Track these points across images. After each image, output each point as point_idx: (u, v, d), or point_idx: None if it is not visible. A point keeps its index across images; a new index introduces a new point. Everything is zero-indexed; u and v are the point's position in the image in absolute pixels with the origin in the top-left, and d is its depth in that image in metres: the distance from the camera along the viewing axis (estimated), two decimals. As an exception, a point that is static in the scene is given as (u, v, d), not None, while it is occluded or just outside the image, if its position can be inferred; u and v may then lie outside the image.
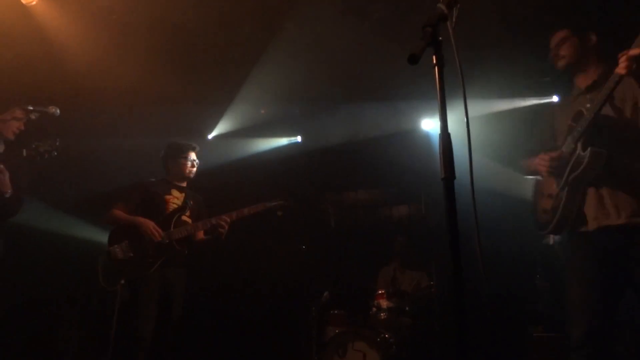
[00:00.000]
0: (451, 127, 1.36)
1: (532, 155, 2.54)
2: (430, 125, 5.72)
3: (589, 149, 2.10)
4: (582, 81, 2.41)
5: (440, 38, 1.32)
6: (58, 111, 3.03)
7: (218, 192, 4.47)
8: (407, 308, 4.01)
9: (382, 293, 4.12)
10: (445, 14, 1.39)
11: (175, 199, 3.57)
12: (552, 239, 2.49)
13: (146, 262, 3.27)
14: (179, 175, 3.63)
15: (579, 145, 2.17)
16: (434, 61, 1.32)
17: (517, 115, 4.91)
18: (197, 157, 3.71)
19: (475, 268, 1.47)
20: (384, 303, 4.04)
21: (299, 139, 6.30)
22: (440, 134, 1.32)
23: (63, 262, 4.96)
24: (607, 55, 2.32)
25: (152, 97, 4.96)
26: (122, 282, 3.19)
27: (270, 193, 3.84)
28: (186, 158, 3.62)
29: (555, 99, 4.68)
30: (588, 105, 2.17)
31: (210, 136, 5.99)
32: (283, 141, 6.27)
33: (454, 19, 1.41)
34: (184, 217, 3.52)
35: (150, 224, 3.31)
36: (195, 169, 3.68)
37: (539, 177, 2.51)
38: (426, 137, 5.74)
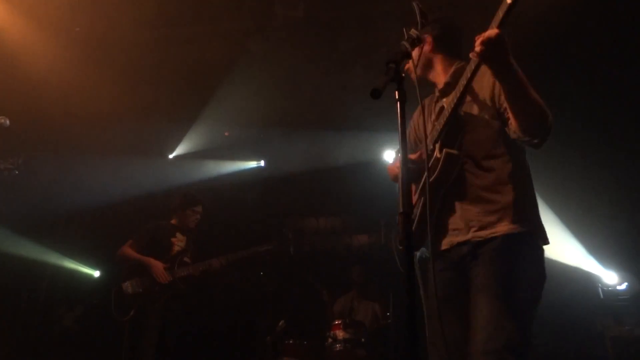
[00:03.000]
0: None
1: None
2: (392, 156, 5.84)
3: (444, 150, 1.81)
4: (440, 79, 2.05)
5: (402, 74, 1.36)
6: (8, 122, 2.89)
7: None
8: (363, 339, 3.98)
9: (338, 323, 4.07)
10: (408, 52, 1.43)
11: (180, 241, 3.97)
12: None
13: (153, 297, 3.66)
14: (185, 224, 4.00)
15: (437, 146, 1.87)
16: (396, 96, 1.35)
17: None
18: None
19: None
20: (340, 334, 3.98)
21: (262, 163, 6.26)
22: (399, 168, 1.34)
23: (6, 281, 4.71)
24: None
25: (112, 114, 4.83)
26: (132, 313, 3.57)
27: (238, 223, 4.05)
28: (196, 211, 4.03)
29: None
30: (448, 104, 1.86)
31: (171, 156, 5.86)
32: (246, 165, 6.22)
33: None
34: (186, 259, 3.90)
35: (160, 267, 3.72)
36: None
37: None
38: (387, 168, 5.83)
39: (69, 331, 5.28)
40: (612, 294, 4.43)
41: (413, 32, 1.51)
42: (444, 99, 1.97)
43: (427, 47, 2.00)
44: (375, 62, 3.96)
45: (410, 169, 1.86)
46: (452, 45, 2.03)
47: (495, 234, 1.74)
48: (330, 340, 4.01)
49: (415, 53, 1.72)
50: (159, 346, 3.62)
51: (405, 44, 1.44)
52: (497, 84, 1.73)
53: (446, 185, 1.85)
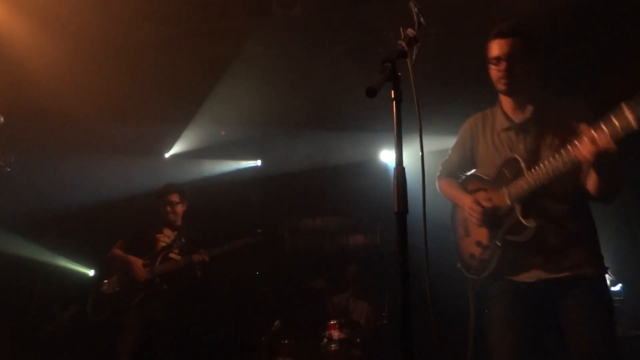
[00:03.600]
0: (408, 161, 1.38)
1: (449, 175, 2.43)
2: (389, 156, 5.84)
3: (534, 225, 1.97)
4: (513, 111, 2.14)
5: (399, 74, 1.36)
6: (2, 119, 2.88)
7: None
8: (358, 340, 3.97)
9: (334, 323, 4.06)
10: (405, 51, 1.43)
11: (166, 237, 3.80)
12: (478, 284, 2.28)
13: (129, 296, 3.53)
14: (167, 219, 3.81)
15: (518, 208, 2.01)
16: (392, 96, 1.35)
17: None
18: (182, 197, 3.86)
19: (425, 300, 1.47)
20: (335, 334, 3.98)
21: (259, 162, 6.25)
22: (395, 168, 1.33)
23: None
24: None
25: (108, 112, 4.81)
26: (107, 313, 3.52)
27: (234, 222, 3.99)
28: (166, 202, 3.79)
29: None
30: (523, 165, 1.99)
31: (167, 155, 5.84)
32: (243, 164, 6.21)
33: (413, 57, 1.45)
34: (173, 255, 3.72)
35: (137, 263, 3.57)
36: (179, 212, 3.84)
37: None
38: (384, 168, 5.84)
39: (63, 330, 5.25)
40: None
41: (410, 31, 1.50)
42: (512, 138, 2.10)
43: (537, 66, 2.08)
44: (372, 61, 3.96)
45: (486, 220, 2.09)
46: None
47: (584, 276, 1.96)
48: (325, 340, 4.01)
49: (526, 60, 2.00)
50: (147, 346, 3.48)
51: (402, 43, 1.44)
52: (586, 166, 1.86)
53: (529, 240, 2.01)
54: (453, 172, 2.44)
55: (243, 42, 4.16)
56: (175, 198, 3.85)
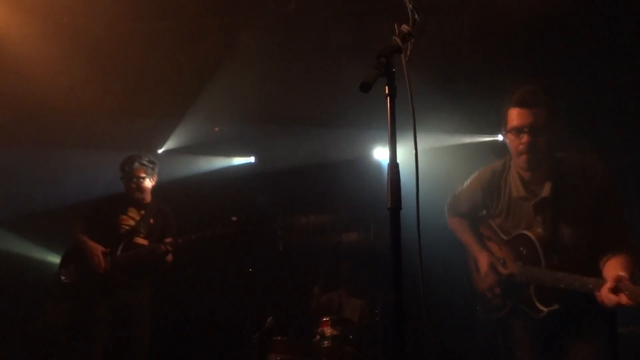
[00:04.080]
0: (402, 158, 1.37)
1: (459, 216, 2.42)
2: (382, 154, 5.84)
3: (546, 310, 1.98)
4: (530, 181, 2.04)
5: (393, 69, 1.35)
6: None
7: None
8: (350, 336, 3.97)
9: (326, 320, 4.06)
10: (399, 47, 1.42)
11: (130, 219, 3.33)
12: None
13: (89, 287, 3.14)
14: (133, 196, 3.37)
15: (532, 289, 2.01)
16: (386, 91, 1.34)
17: (463, 152, 5.10)
18: (150, 170, 3.41)
19: (418, 297, 1.47)
20: (328, 331, 3.98)
21: (252, 159, 6.22)
22: (388, 165, 1.33)
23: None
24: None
25: (99, 107, 4.76)
26: (64, 305, 3.25)
27: (221, 215, 3.69)
28: (130, 177, 3.33)
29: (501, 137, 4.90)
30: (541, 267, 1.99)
31: (160, 151, 5.80)
32: (236, 161, 6.18)
33: (408, 52, 1.45)
34: (139, 239, 3.28)
35: (96, 251, 3.14)
36: (145, 187, 3.39)
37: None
38: (378, 165, 5.84)
39: (54, 326, 5.21)
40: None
41: (404, 27, 1.49)
42: (526, 204, 2.03)
43: (559, 133, 1.93)
44: (366, 58, 3.95)
45: (501, 287, 2.10)
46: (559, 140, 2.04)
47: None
48: (318, 337, 4.01)
49: (553, 124, 1.91)
50: (121, 342, 3.10)
51: (397, 39, 1.43)
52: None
53: None
54: (464, 214, 2.42)
55: (237, 37, 4.14)
56: (140, 172, 3.35)
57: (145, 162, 3.40)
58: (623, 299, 1.70)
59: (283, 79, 4.63)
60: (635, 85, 4.20)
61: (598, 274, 1.90)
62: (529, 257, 2.03)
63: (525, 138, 1.91)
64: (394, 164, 1.32)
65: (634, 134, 4.56)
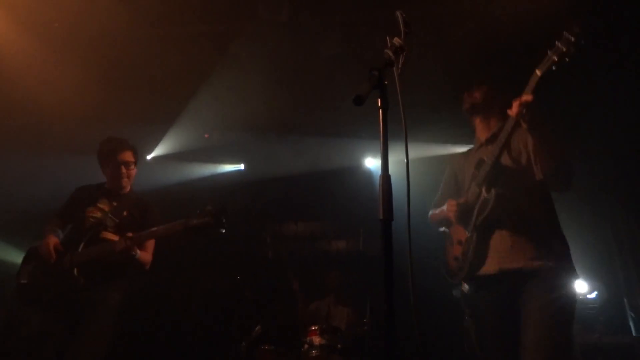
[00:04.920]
0: (393, 168, 1.39)
1: (437, 207, 2.60)
2: (373, 163, 5.87)
3: (493, 190, 2.19)
4: (483, 133, 2.49)
5: (385, 82, 1.37)
6: None
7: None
8: (339, 345, 3.96)
9: (315, 329, 4.05)
10: (392, 60, 1.44)
11: (98, 211, 2.90)
12: (465, 288, 2.36)
13: (43, 289, 2.72)
14: (113, 185, 2.98)
15: (484, 189, 2.25)
16: (379, 104, 1.36)
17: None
18: (136, 157, 3.06)
19: (408, 307, 1.48)
20: (316, 340, 3.96)
21: (242, 166, 6.22)
22: (380, 176, 1.34)
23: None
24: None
25: (88, 112, 4.72)
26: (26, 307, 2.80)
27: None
28: (118, 163, 2.92)
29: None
30: (489, 154, 2.28)
31: (149, 157, 5.76)
32: (225, 168, 6.17)
33: (399, 65, 1.47)
34: (107, 234, 2.84)
35: (48, 244, 2.73)
36: (132, 175, 3.02)
37: (445, 229, 2.53)
38: (368, 174, 5.87)
39: (36, 334, 5.10)
40: (582, 303, 4.53)
41: (396, 40, 1.52)
42: (483, 150, 2.39)
43: (499, 97, 2.40)
44: (358, 68, 3.99)
45: (461, 210, 2.33)
46: (505, 103, 2.27)
47: (542, 267, 2.09)
48: (306, 346, 3.99)
49: (485, 90, 2.44)
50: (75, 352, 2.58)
51: (389, 52, 1.46)
52: (530, 138, 2.17)
53: (496, 222, 2.21)
54: (441, 204, 2.60)
55: (228, 45, 4.14)
56: (129, 157, 2.99)
57: (132, 146, 3.06)
58: (523, 96, 2.08)
59: (274, 87, 4.65)
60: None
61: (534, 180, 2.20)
62: (479, 170, 2.33)
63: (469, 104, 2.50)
64: (385, 175, 1.33)
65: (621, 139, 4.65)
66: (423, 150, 5.23)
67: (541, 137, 2.10)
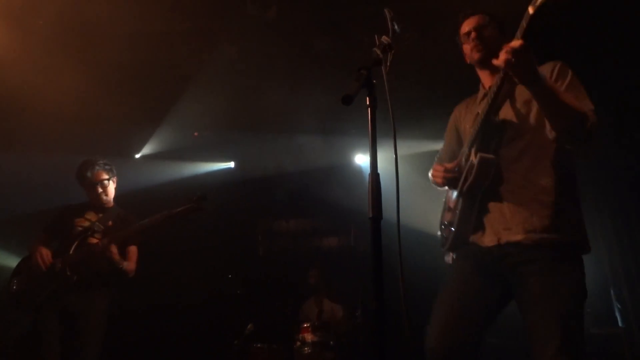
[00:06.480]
0: (383, 165, 1.39)
1: (440, 161, 2.28)
2: (363, 159, 5.88)
3: (478, 154, 1.87)
4: (488, 80, 2.08)
5: (374, 81, 1.37)
6: None
7: (141, 216, 4.24)
8: (331, 342, 3.99)
9: (307, 326, 4.07)
10: (380, 59, 1.45)
11: (87, 221, 3.22)
12: (451, 257, 2.16)
13: (35, 293, 2.99)
14: (95, 201, 3.27)
15: (472, 151, 1.93)
16: (367, 102, 1.36)
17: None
18: (110, 173, 3.30)
19: (398, 302, 1.49)
20: (308, 337, 3.98)
21: (232, 164, 6.19)
22: (369, 174, 1.35)
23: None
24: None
25: (75, 111, 4.66)
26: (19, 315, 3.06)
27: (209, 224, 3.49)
28: (93, 184, 3.20)
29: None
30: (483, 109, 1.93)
31: (137, 155, 5.71)
32: (215, 166, 6.14)
33: (388, 64, 1.47)
34: (93, 239, 3.13)
35: (39, 252, 3.01)
36: (110, 191, 3.28)
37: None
38: (359, 171, 5.89)
39: (27, 335, 5.05)
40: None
41: (385, 38, 1.52)
42: (486, 99, 1.94)
43: (508, 36, 1.90)
44: (347, 65, 3.99)
45: (449, 176, 2.02)
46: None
47: (545, 241, 1.77)
48: (299, 343, 4.01)
49: (496, 31, 1.99)
50: (72, 350, 2.94)
51: (377, 50, 1.46)
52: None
53: (483, 189, 1.91)
54: (444, 160, 2.31)
55: (216, 43, 4.11)
56: (103, 175, 3.24)
57: (102, 164, 3.29)
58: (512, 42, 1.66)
59: (263, 84, 4.63)
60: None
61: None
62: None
63: (473, 35, 2.04)
64: (374, 174, 1.34)
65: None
66: (413, 147, 5.26)
67: (540, 93, 1.70)
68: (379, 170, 1.37)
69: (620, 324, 4.62)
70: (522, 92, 1.89)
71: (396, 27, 1.59)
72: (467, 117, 2.15)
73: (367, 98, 1.37)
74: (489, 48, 1.99)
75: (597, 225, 5.06)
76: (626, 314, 4.59)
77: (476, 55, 2.04)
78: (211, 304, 5.06)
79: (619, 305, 4.70)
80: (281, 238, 6.42)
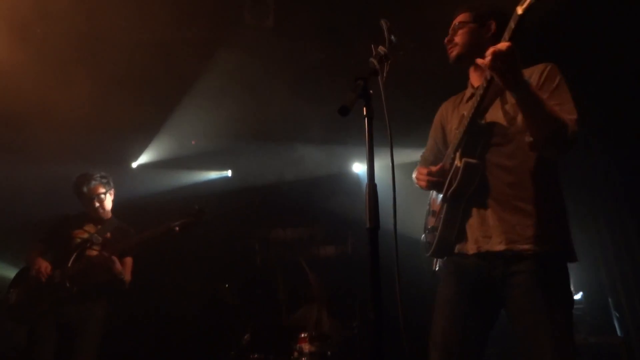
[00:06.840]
0: (380, 173, 1.39)
1: (424, 164, 2.24)
2: (360, 168, 5.89)
3: (463, 160, 1.82)
4: (476, 79, 2.01)
5: (371, 91, 1.38)
6: None
7: (138, 225, 4.22)
8: (329, 352, 3.96)
9: (304, 337, 4.04)
10: (376, 69, 1.45)
11: (85, 233, 3.28)
12: (436, 264, 2.11)
13: (35, 304, 3.05)
14: (93, 214, 3.34)
15: (457, 155, 1.87)
16: (364, 113, 1.37)
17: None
18: (107, 185, 3.38)
19: (396, 313, 1.48)
20: (306, 347, 3.95)
21: (229, 173, 6.18)
22: (366, 184, 1.35)
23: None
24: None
25: (72, 119, 4.65)
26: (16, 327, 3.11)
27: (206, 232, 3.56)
28: (91, 198, 3.28)
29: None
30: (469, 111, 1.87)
31: (134, 164, 5.70)
32: (212, 174, 6.13)
33: (384, 74, 1.48)
34: (92, 251, 3.20)
35: (39, 265, 3.06)
36: (107, 204, 3.37)
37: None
38: (356, 179, 5.89)
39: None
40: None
41: (381, 49, 1.53)
42: (473, 99, 1.88)
43: (491, 33, 1.91)
44: (344, 74, 4.00)
45: (433, 181, 1.94)
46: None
47: (530, 251, 1.73)
48: (296, 353, 3.97)
49: (473, 28, 1.92)
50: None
51: (374, 60, 1.47)
52: None
53: (467, 195, 1.85)
54: (428, 159, 2.27)
55: (214, 51, 4.13)
56: (100, 189, 3.32)
57: (99, 178, 3.36)
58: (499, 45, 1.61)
59: (260, 92, 4.64)
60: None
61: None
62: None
63: (449, 35, 2.04)
64: (372, 184, 1.33)
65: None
66: (411, 155, 5.26)
67: (522, 99, 1.65)
68: (376, 178, 1.37)
69: (618, 333, 4.60)
70: (509, 95, 1.83)
71: (393, 37, 1.61)
72: (453, 117, 2.09)
73: (364, 108, 1.37)
74: (466, 48, 1.96)
75: (594, 233, 5.04)
76: (624, 322, 4.58)
77: (450, 55, 2.03)
78: (208, 314, 5.02)
79: (617, 314, 4.69)
80: (278, 246, 6.39)
